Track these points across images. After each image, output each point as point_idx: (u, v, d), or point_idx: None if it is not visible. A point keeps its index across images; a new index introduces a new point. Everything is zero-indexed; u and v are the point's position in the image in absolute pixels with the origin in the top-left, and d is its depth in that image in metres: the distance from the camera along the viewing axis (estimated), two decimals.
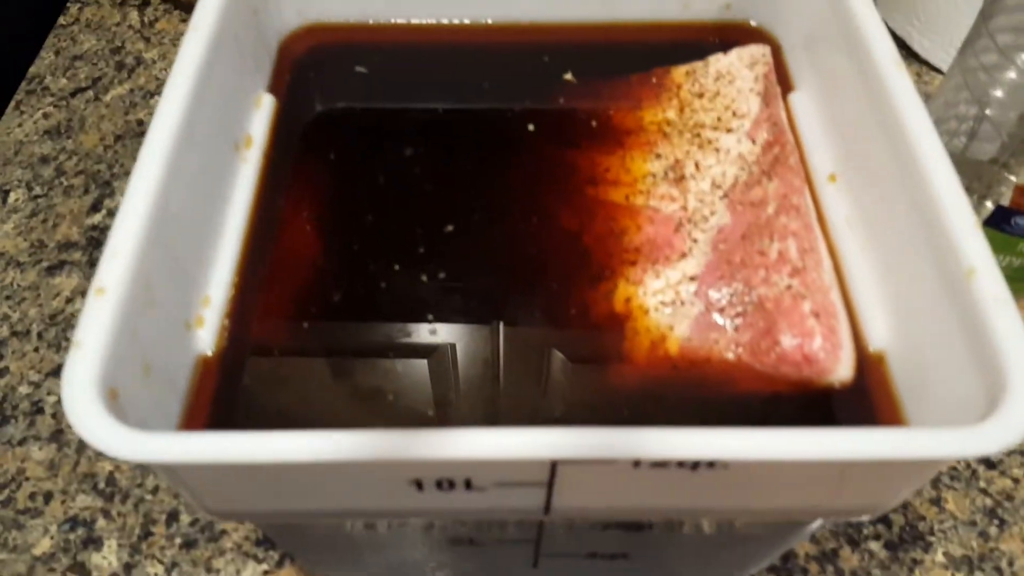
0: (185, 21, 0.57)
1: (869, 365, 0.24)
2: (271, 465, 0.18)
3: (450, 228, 0.28)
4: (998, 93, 0.38)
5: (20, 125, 0.51)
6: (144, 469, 0.37)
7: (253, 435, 0.18)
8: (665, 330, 0.25)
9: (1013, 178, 0.40)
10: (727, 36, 0.33)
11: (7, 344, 0.41)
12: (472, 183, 0.30)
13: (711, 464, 0.19)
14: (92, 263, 0.44)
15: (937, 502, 0.36)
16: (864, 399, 0.24)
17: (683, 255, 0.27)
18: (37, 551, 0.35)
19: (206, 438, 0.18)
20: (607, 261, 0.27)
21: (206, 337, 0.25)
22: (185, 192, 0.24)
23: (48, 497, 0.36)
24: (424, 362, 0.25)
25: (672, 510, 0.22)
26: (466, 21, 0.34)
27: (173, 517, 0.36)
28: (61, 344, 0.41)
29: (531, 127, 0.31)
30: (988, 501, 0.36)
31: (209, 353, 0.24)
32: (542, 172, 0.30)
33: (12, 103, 0.52)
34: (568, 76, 0.32)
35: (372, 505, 0.21)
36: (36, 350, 0.41)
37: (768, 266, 0.26)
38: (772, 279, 0.25)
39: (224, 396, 0.24)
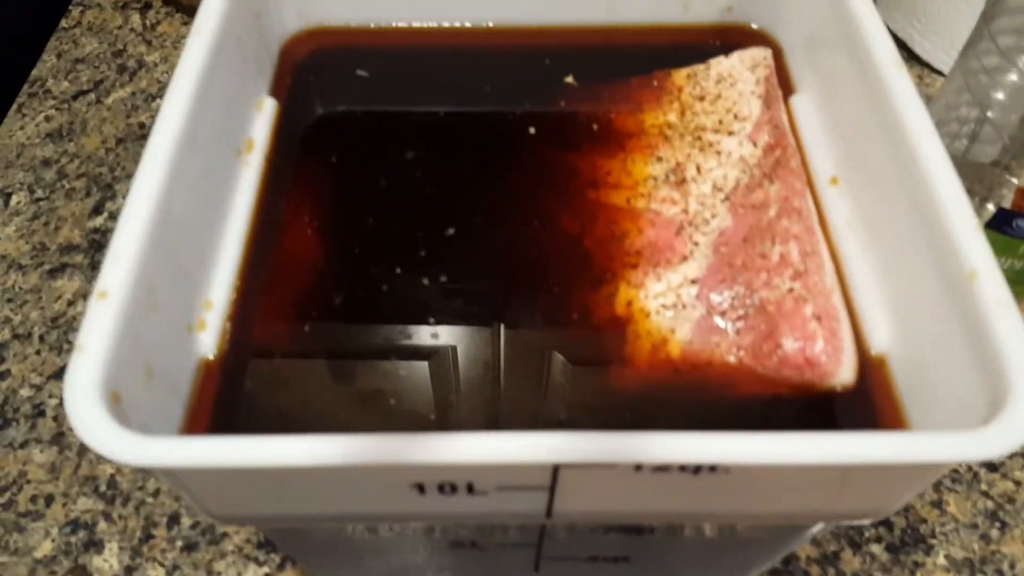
0: (187, 24, 0.57)
1: (871, 368, 0.24)
2: (273, 469, 0.18)
3: (451, 231, 0.28)
4: (999, 95, 0.38)
5: (22, 128, 0.51)
6: (145, 472, 0.37)
7: (255, 440, 0.18)
8: (666, 333, 0.25)
9: (1014, 180, 0.40)
10: (728, 39, 0.33)
11: (9, 347, 0.41)
12: (473, 186, 0.30)
13: (713, 468, 0.19)
14: (94, 266, 0.44)
15: (938, 504, 0.36)
16: (866, 402, 0.24)
17: (684, 258, 0.27)
18: (38, 554, 0.35)
19: (208, 442, 0.18)
20: (608, 264, 0.27)
21: (208, 340, 0.25)
22: (187, 196, 0.24)
23: (49, 500, 0.36)
24: (425, 365, 0.25)
25: (674, 514, 0.22)
26: (467, 24, 0.34)
27: (174, 520, 0.36)
28: (63, 347, 0.41)
29: (532, 130, 0.31)
30: (990, 504, 0.36)
31: (211, 356, 0.24)
32: (543, 175, 0.30)
33: (14, 106, 0.52)
34: (569, 79, 0.33)
35: (374, 509, 0.21)
36: (38, 353, 0.41)
37: (770, 269, 0.26)
38: (774, 282, 0.25)
39: (226, 399, 0.24)
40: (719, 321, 0.25)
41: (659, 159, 0.29)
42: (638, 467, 0.19)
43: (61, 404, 0.39)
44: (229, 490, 0.20)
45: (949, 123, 0.41)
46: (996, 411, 0.19)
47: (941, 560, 0.34)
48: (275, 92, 0.31)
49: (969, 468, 0.37)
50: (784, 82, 0.31)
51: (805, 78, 0.31)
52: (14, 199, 0.47)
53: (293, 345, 0.26)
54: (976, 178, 0.41)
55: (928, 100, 0.47)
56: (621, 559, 0.29)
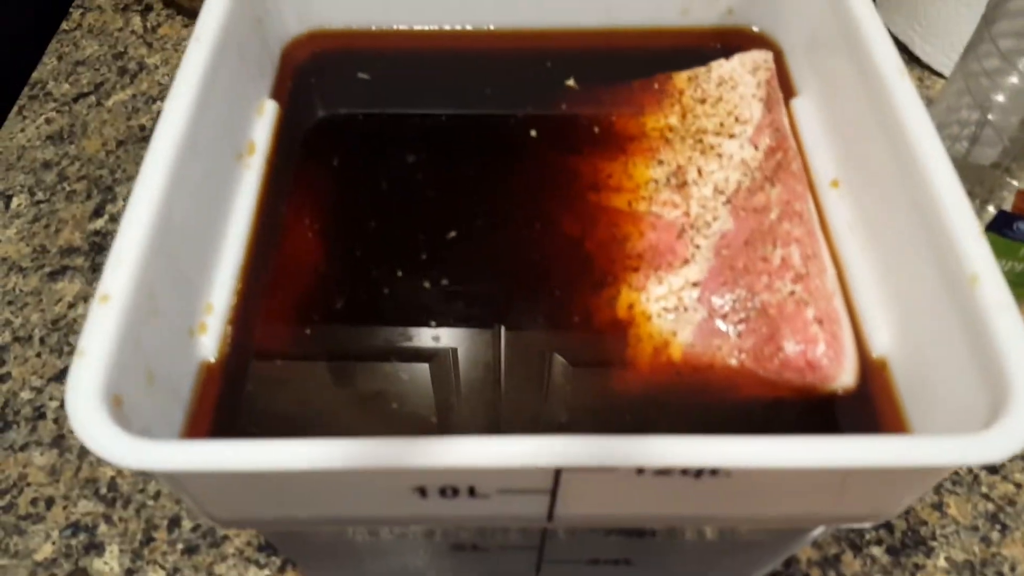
0: (188, 27, 0.57)
1: (872, 371, 0.24)
2: (274, 473, 0.18)
3: (452, 234, 0.28)
4: (1000, 98, 0.38)
5: (23, 130, 0.51)
6: (146, 475, 0.37)
7: (256, 443, 0.18)
8: (668, 336, 0.25)
9: (1015, 183, 0.40)
10: (729, 42, 0.33)
11: (9, 349, 0.41)
12: (474, 189, 0.30)
13: (714, 472, 0.19)
14: (94, 268, 0.44)
15: (939, 507, 0.36)
16: (867, 405, 0.24)
17: (686, 261, 0.27)
18: (39, 557, 0.35)
19: (209, 446, 0.18)
20: (610, 267, 0.27)
21: (209, 344, 0.25)
22: (188, 199, 0.24)
23: (50, 503, 0.36)
24: (426, 368, 0.25)
25: (675, 517, 0.22)
26: (468, 27, 0.34)
27: (175, 523, 0.36)
28: (63, 349, 0.41)
29: (533, 133, 0.31)
30: (990, 506, 0.36)
31: (212, 360, 0.24)
32: (544, 178, 0.30)
33: (15, 108, 0.52)
34: (570, 82, 0.33)
35: (375, 512, 0.21)
36: (38, 355, 0.41)
37: (771, 272, 0.26)
38: (775, 285, 0.25)
39: (227, 403, 0.24)
40: (720, 324, 0.25)
41: (660, 162, 0.29)
42: (640, 471, 0.19)
43: (62, 407, 0.39)
44: (230, 493, 0.20)
45: (950, 125, 0.41)
46: (997, 414, 0.19)
47: (942, 562, 0.34)
48: (276, 95, 0.31)
49: (970, 470, 0.37)
50: (785, 85, 0.31)
51: (806, 81, 0.31)
52: (15, 201, 0.47)
53: (294, 348, 0.26)
54: (977, 180, 0.41)
55: (929, 103, 0.47)
56: (622, 562, 0.29)
